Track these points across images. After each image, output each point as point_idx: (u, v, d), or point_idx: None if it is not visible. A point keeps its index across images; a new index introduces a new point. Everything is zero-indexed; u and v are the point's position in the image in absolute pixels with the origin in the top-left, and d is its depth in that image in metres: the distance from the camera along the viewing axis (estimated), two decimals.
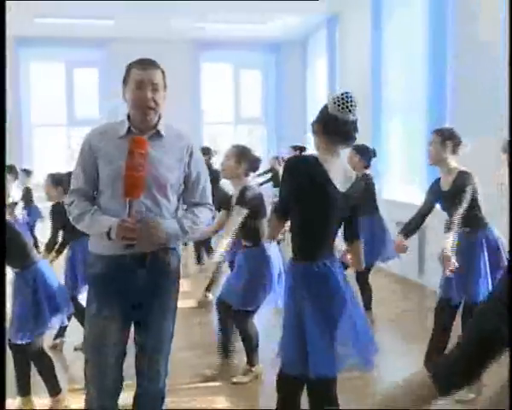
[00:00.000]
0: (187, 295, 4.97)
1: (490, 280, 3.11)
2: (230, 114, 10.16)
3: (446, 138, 3.15)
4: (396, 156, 6.58)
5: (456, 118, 5.04)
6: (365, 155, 4.55)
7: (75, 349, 3.95)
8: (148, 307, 2.17)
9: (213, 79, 10.01)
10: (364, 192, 3.46)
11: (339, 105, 2.16)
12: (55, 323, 3.10)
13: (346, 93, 2.18)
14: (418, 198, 5.63)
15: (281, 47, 9.88)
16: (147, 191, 2.06)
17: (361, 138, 5.48)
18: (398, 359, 3.93)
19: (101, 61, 9.26)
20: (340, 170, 2.24)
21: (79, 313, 3.65)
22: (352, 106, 2.16)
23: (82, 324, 4.16)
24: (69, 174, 4.01)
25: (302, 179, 2.16)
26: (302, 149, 6.57)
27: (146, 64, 2.10)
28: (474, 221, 3.13)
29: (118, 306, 2.12)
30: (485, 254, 3.14)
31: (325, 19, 8.24)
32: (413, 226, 3.34)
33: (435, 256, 3.40)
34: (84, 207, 2.11)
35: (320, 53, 8.87)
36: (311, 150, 2.47)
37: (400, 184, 6.29)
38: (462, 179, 3.08)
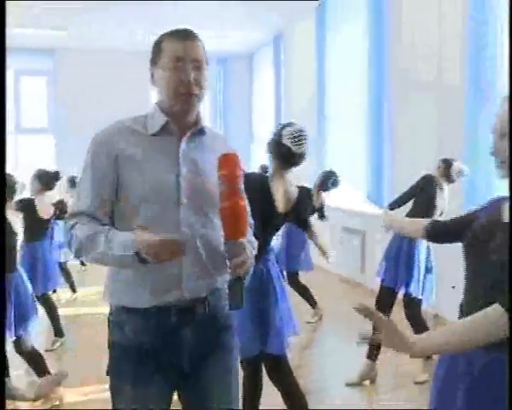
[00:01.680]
0: None
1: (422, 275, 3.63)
2: None
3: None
4: (339, 165, 7.02)
5: (396, 130, 5.55)
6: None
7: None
8: (204, 374, 1.58)
9: None
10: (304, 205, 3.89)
11: (293, 139, 2.46)
12: (19, 330, 3.15)
13: (301, 130, 2.49)
14: (361, 205, 6.15)
15: (227, 60, 10.21)
16: (198, 209, 1.53)
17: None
18: (342, 353, 4.35)
19: (50, 70, 9.36)
20: (284, 191, 2.52)
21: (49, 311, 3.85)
22: (304, 141, 2.48)
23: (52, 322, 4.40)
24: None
25: (252, 195, 2.46)
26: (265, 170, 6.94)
27: (184, 35, 1.54)
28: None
29: (161, 381, 1.54)
30: (423, 251, 3.63)
31: (272, 35, 8.64)
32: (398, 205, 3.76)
33: (376, 258, 3.88)
34: (94, 227, 1.48)
35: (266, 67, 9.26)
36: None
37: (344, 192, 6.74)
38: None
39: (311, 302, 5.07)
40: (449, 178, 3.67)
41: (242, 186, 1.48)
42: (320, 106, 7.21)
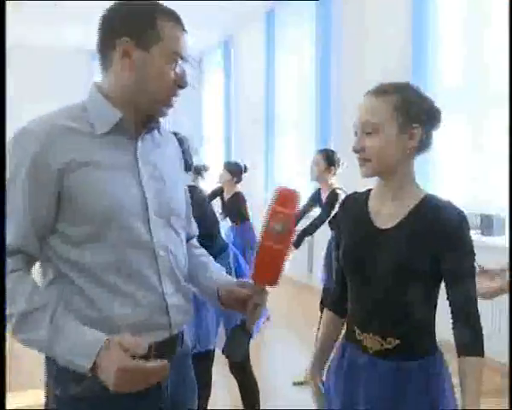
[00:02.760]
0: None
1: None
2: None
3: (329, 160, 3.75)
4: (287, 168, 7.12)
5: (341, 135, 5.69)
6: (237, 172, 4.99)
7: None
8: None
9: None
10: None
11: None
12: None
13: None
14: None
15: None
16: (167, 224, 1.27)
17: (255, 153, 5.95)
18: (289, 353, 4.42)
19: None
20: None
21: None
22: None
23: None
24: None
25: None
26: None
27: (182, 23, 1.25)
28: None
29: None
30: None
31: (221, 37, 8.66)
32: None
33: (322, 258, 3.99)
34: (31, 292, 1.10)
35: (216, 71, 9.27)
36: None
37: None
38: (332, 196, 3.67)
39: None
40: None
41: None
42: (269, 110, 7.29)
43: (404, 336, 1.36)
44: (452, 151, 4.35)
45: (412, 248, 1.33)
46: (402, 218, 1.37)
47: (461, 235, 1.33)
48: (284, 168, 7.13)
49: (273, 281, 1.26)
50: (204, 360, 2.50)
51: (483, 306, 1.41)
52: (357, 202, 1.49)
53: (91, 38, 1.33)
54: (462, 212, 1.35)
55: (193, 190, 2.50)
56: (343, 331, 1.56)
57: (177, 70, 1.22)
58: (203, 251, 1.49)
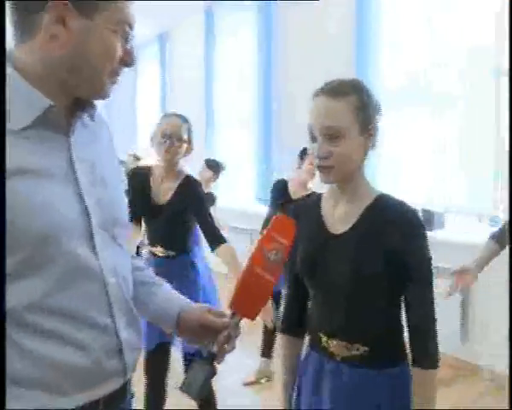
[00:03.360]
0: None
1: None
2: None
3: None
4: (227, 166, 7.07)
5: (284, 131, 5.70)
6: (217, 170, 4.91)
7: None
8: None
9: None
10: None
11: None
12: None
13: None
14: (250, 205, 6.24)
15: None
16: (111, 238, 1.03)
17: (193, 151, 5.83)
18: (236, 353, 4.34)
19: None
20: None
21: None
22: None
23: None
24: None
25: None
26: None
27: None
28: None
29: None
30: None
31: (157, 31, 8.46)
32: None
33: None
34: None
35: (152, 64, 9.05)
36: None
37: (232, 193, 6.81)
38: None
39: None
40: None
41: None
42: (208, 106, 7.19)
43: (372, 343, 1.33)
44: (392, 147, 4.46)
45: (366, 251, 1.29)
46: (355, 221, 1.33)
47: (415, 233, 1.30)
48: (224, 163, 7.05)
49: (254, 314, 1.11)
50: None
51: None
52: (310, 207, 1.44)
53: None
54: (415, 210, 1.33)
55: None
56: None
57: (125, 43, 1.00)
58: (146, 266, 1.26)
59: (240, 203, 6.52)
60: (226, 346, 1.10)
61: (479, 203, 4.01)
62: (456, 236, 3.91)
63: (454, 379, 3.62)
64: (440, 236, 3.95)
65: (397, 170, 4.60)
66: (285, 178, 3.61)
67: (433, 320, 1.32)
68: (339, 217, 1.36)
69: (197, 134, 7.71)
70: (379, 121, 1.35)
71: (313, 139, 1.32)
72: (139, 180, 2.50)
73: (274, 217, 1.16)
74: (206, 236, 2.46)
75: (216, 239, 2.44)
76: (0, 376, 0.87)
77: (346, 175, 1.33)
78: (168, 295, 1.21)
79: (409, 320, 1.33)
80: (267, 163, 5.92)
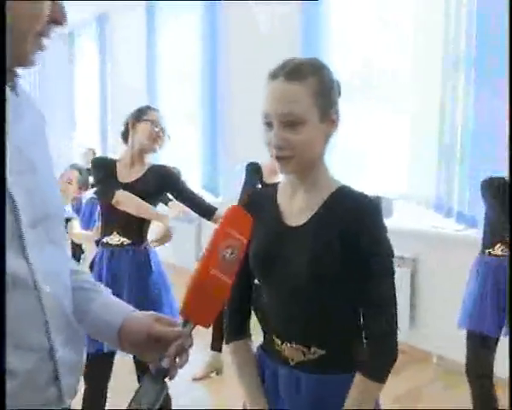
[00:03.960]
0: None
1: None
2: None
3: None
4: (174, 155, 6.87)
5: (229, 119, 5.57)
6: None
7: None
8: None
9: None
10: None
11: None
12: None
13: None
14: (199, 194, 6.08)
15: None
16: (45, 238, 0.87)
17: None
18: None
19: None
20: None
21: None
22: None
23: None
24: None
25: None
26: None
27: None
28: None
29: None
30: None
31: (95, 13, 8.08)
32: None
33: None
34: None
35: (89, 48, 8.65)
36: None
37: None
38: None
39: None
40: None
41: None
42: (151, 94, 6.93)
43: (330, 346, 1.21)
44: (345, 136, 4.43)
45: (324, 244, 1.17)
46: (313, 213, 1.22)
47: (373, 223, 1.18)
48: (170, 157, 6.87)
49: (209, 321, 0.97)
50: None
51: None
52: (265, 198, 1.32)
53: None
54: (377, 201, 1.24)
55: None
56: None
57: None
58: (86, 270, 1.09)
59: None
60: (178, 360, 0.95)
61: (423, 191, 4.02)
62: (404, 223, 3.93)
63: (404, 366, 3.63)
64: (389, 223, 3.97)
65: (353, 161, 4.58)
66: (258, 162, 3.47)
67: (390, 324, 1.18)
68: (296, 208, 1.25)
69: None
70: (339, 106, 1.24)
71: (269, 127, 1.18)
72: (106, 166, 2.50)
73: (228, 208, 1.01)
74: (197, 209, 2.57)
75: (208, 209, 2.56)
76: (0, 376, 0.76)
77: (306, 165, 1.21)
78: (109, 301, 1.03)
79: (364, 319, 1.21)
80: (213, 165, 5.81)
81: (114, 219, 2.42)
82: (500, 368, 2.51)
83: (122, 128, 2.56)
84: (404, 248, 3.87)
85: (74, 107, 9.45)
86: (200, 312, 0.95)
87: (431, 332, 3.78)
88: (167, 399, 2.50)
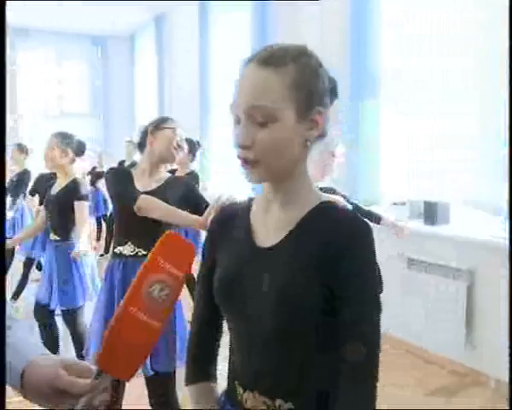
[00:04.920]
0: None
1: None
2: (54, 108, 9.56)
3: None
4: (223, 155, 6.82)
5: None
6: (192, 148, 4.65)
7: None
8: None
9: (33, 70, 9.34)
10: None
11: None
12: None
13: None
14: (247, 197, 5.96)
15: (107, 41, 9.56)
16: None
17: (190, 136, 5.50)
18: None
19: None
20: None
21: None
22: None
23: None
24: None
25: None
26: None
27: None
28: None
29: None
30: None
31: (153, 16, 8.17)
32: None
33: None
34: None
35: (149, 49, 8.77)
36: None
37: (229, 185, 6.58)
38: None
39: None
40: None
41: None
42: (204, 93, 6.92)
43: (299, 399, 0.98)
44: (393, 138, 4.16)
45: (298, 271, 0.95)
46: (287, 232, 1.00)
47: (364, 251, 0.95)
48: (219, 158, 6.83)
49: (130, 374, 0.79)
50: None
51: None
52: (236, 215, 1.10)
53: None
54: (367, 223, 0.98)
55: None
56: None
57: None
58: None
59: (236, 195, 6.26)
60: None
61: (488, 196, 3.66)
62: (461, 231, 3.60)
63: (457, 389, 3.31)
64: (445, 231, 3.66)
65: (392, 160, 4.29)
66: None
67: (372, 372, 0.94)
68: (270, 226, 1.02)
69: (192, 121, 7.45)
70: (330, 108, 1.01)
71: (237, 122, 0.98)
72: (124, 174, 2.40)
73: (165, 235, 0.83)
74: None
75: None
76: (0, 376, 0.79)
77: (277, 173, 0.99)
78: (16, 340, 0.88)
79: (342, 362, 0.95)
80: None
81: (130, 228, 2.31)
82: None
83: (138, 137, 2.47)
84: (460, 259, 3.54)
85: (134, 108, 9.63)
86: (118, 361, 0.76)
87: (489, 353, 3.43)
88: None
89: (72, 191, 3.20)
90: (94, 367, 0.79)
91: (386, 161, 4.35)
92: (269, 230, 1.02)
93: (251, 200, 1.11)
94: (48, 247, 3.34)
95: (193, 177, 4.57)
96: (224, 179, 6.42)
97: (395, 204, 4.11)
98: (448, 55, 3.92)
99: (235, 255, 1.04)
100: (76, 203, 3.18)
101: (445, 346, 3.56)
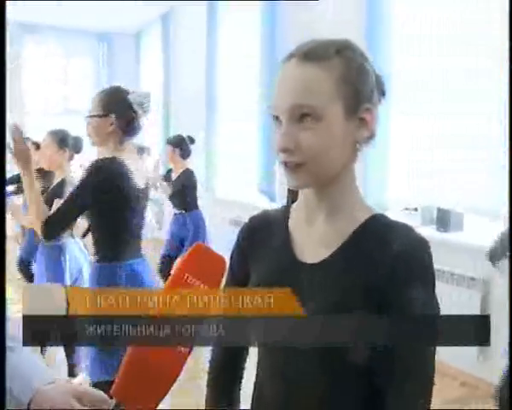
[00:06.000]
0: None
1: None
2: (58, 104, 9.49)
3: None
4: (230, 155, 6.74)
5: None
6: (181, 143, 4.56)
7: None
8: None
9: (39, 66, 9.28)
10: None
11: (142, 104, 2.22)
12: None
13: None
14: (253, 198, 5.88)
15: (113, 38, 9.48)
16: None
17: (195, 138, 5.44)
18: None
19: None
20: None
21: None
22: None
23: None
24: None
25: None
26: None
27: None
28: None
29: None
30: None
31: (160, 14, 8.09)
32: None
33: None
34: None
35: (155, 48, 8.70)
36: None
37: (235, 184, 6.51)
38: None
39: None
40: None
41: None
42: (210, 92, 6.84)
43: None
44: (405, 143, 4.07)
45: (350, 291, 0.86)
46: (336, 247, 0.90)
47: (424, 273, 0.85)
48: (226, 157, 6.76)
49: (152, 404, 0.69)
50: None
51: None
52: (272, 224, 1.00)
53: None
54: (425, 240, 0.89)
55: None
56: None
57: None
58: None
59: (242, 196, 6.20)
60: None
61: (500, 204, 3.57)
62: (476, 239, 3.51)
63: (469, 401, 3.23)
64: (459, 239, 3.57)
65: (404, 165, 4.20)
66: None
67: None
68: (314, 240, 0.93)
69: (198, 120, 7.33)
70: (379, 106, 0.92)
71: (278, 124, 0.90)
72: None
73: (192, 247, 0.74)
74: None
75: None
76: (0, 376, 0.76)
77: (324, 178, 0.90)
78: (20, 362, 0.79)
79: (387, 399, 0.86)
80: (270, 167, 5.60)
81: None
82: None
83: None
84: (474, 268, 3.45)
85: None
86: (139, 391, 0.67)
87: (502, 364, 3.34)
88: None
89: (57, 190, 3.12)
90: (108, 398, 0.70)
91: (395, 165, 4.26)
92: (312, 244, 0.92)
93: (287, 207, 1.01)
94: (39, 249, 3.28)
95: (187, 175, 4.50)
96: (231, 178, 6.35)
97: (407, 209, 4.03)
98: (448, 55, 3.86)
99: (272, 269, 0.94)
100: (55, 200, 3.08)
101: (458, 357, 3.48)
